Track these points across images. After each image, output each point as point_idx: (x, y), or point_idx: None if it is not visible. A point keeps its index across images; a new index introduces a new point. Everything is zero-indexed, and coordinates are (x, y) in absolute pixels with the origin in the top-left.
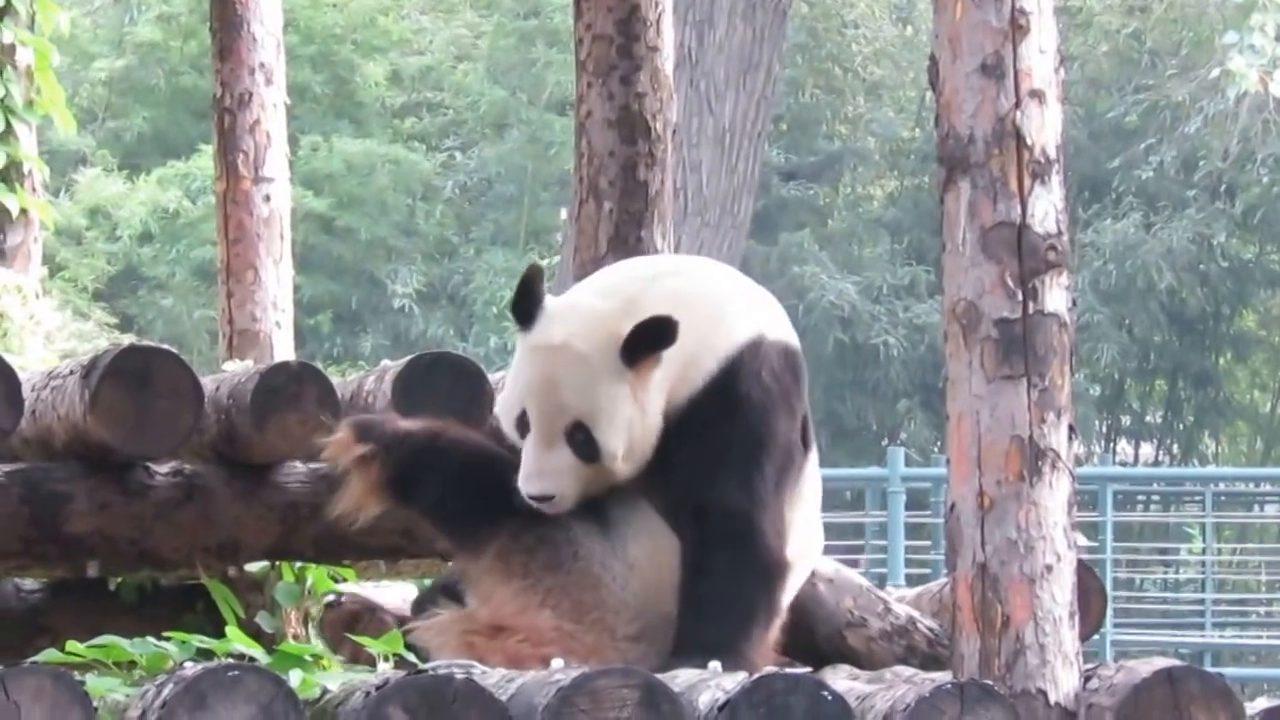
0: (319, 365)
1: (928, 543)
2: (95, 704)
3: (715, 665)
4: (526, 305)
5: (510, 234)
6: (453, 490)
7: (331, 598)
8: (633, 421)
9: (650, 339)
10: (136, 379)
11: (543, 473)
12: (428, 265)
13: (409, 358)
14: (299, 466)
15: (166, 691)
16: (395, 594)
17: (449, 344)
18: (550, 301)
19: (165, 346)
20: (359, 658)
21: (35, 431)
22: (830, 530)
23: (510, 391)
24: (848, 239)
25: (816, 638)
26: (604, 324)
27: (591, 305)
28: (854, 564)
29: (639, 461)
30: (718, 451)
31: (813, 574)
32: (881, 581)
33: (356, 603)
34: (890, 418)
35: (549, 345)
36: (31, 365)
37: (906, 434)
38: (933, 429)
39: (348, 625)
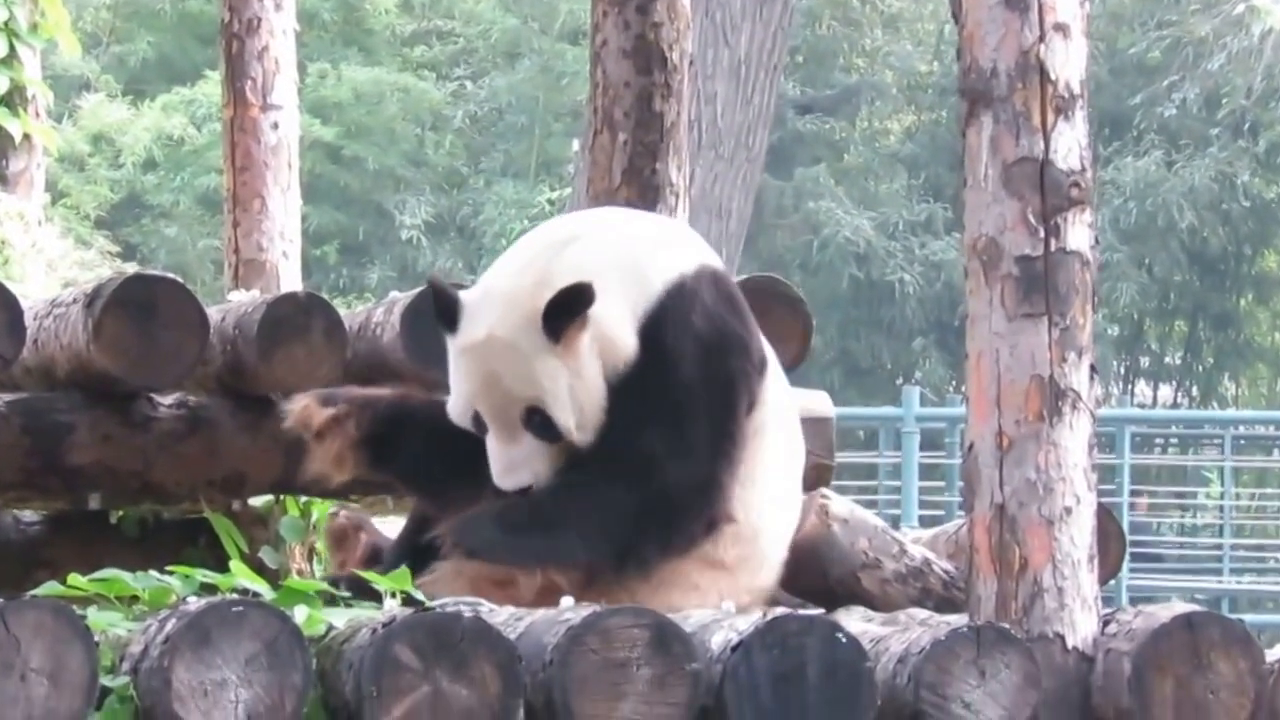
0: (325, 296)
1: (942, 484)
2: (97, 638)
3: (567, 600)
4: (443, 310)
5: (521, 165)
6: (429, 451)
7: (331, 510)
8: (575, 390)
9: (566, 309)
10: (141, 308)
11: (514, 466)
12: (436, 196)
13: (419, 289)
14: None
15: (169, 627)
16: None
17: (457, 277)
18: (465, 296)
19: (170, 275)
20: (346, 566)
21: (37, 361)
22: (843, 471)
23: (456, 396)
24: (864, 174)
25: (830, 579)
26: (520, 305)
27: (505, 289)
28: (867, 505)
29: (593, 426)
30: (648, 406)
31: (827, 514)
32: (895, 523)
33: (348, 519)
34: (905, 356)
35: (475, 343)
36: (33, 293)
37: (921, 373)
38: (948, 368)
39: (338, 538)
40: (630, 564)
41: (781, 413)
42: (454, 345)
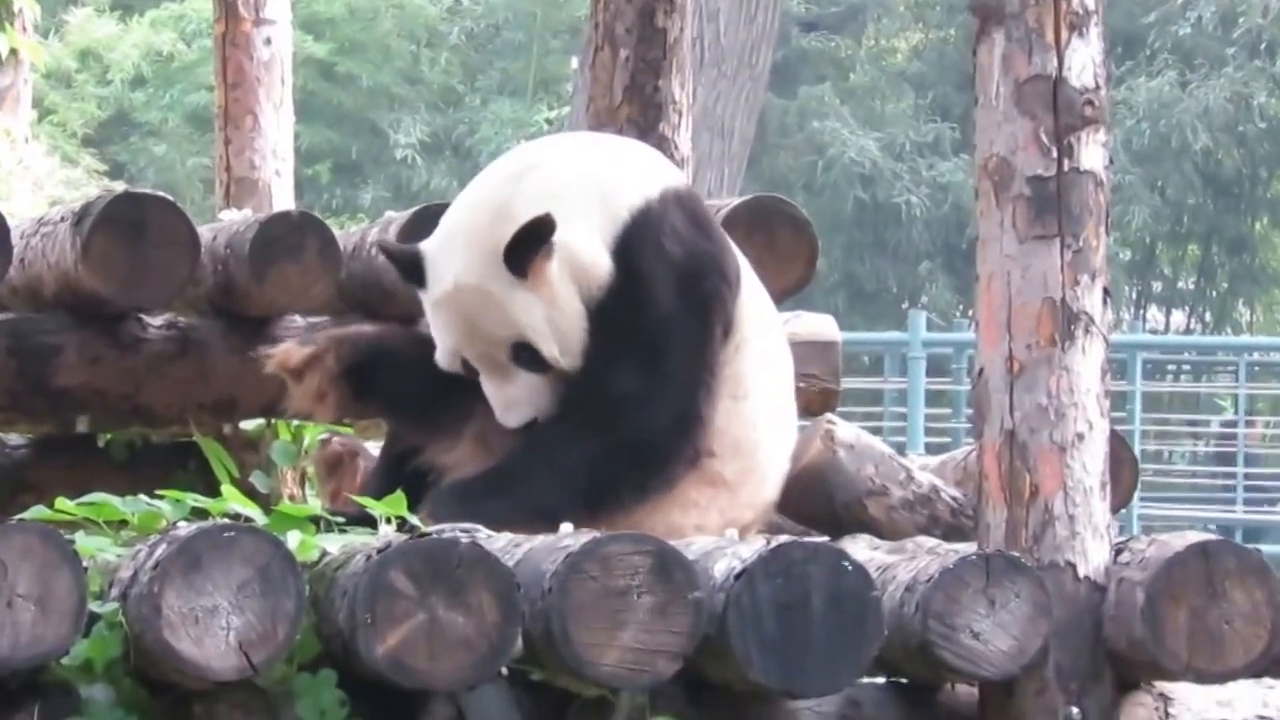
0: (318, 215)
1: (948, 410)
2: (85, 564)
3: (566, 527)
4: (406, 268)
5: (518, 83)
6: (411, 381)
7: (323, 436)
8: (552, 320)
9: (528, 243)
10: (130, 227)
11: (514, 403)
12: (431, 115)
13: (414, 209)
14: (298, 320)
15: (159, 552)
16: None
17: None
18: (426, 246)
19: (160, 194)
20: (337, 499)
21: (24, 281)
22: (848, 397)
23: (441, 346)
24: (870, 93)
25: (835, 506)
26: (481, 245)
27: (463, 231)
28: (873, 432)
29: (579, 351)
30: (624, 337)
31: (832, 439)
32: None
33: (342, 445)
34: (911, 280)
35: (445, 294)
36: (20, 212)
37: (928, 297)
38: (955, 292)
39: (331, 467)
40: (605, 510)
41: (763, 325)
42: (426, 299)
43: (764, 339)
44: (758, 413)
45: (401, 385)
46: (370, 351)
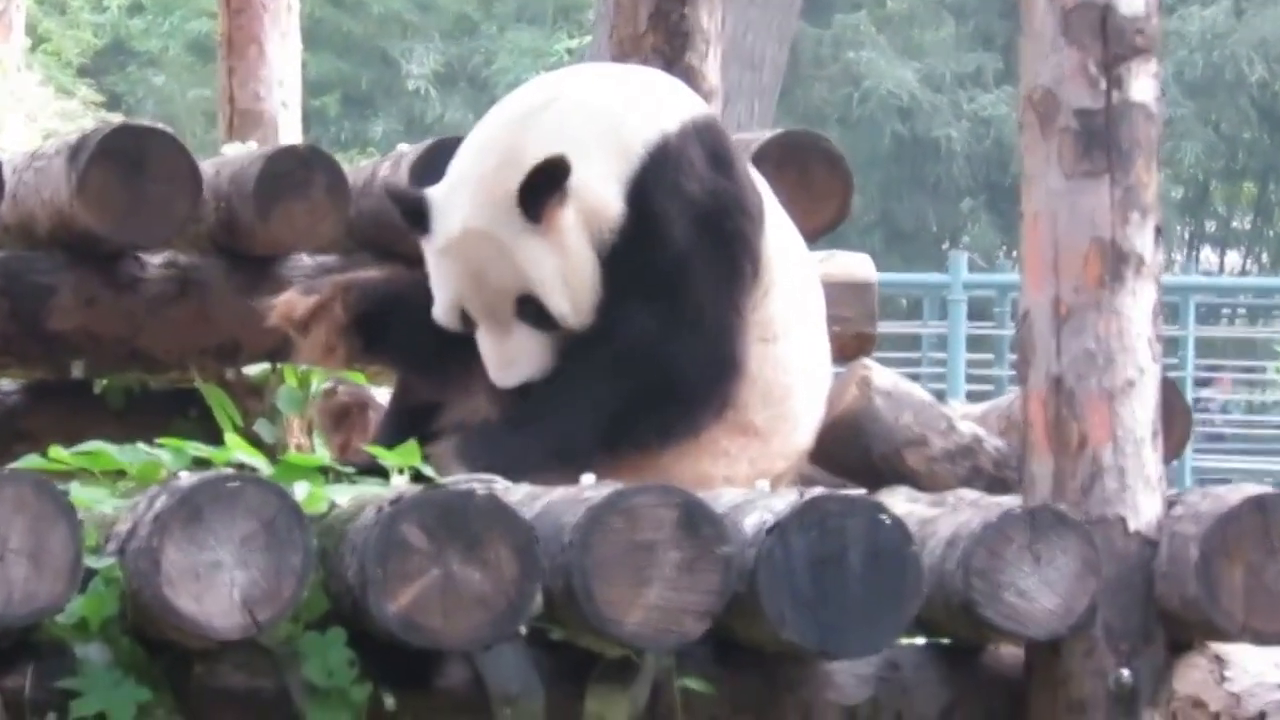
0: (326, 150)
1: (990, 356)
2: (80, 516)
3: (588, 478)
4: (411, 213)
5: (537, 10)
6: (424, 332)
7: (328, 385)
8: (563, 271)
9: (542, 186)
10: (128, 161)
11: (512, 361)
12: (446, 44)
13: (428, 142)
14: (305, 260)
15: (159, 504)
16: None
17: (468, 130)
18: (433, 192)
19: (160, 126)
20: (346, 451)
21: (16, 217)
22: (885, 341)
23: (441, 298)
24: (908, 21)
25: (872, 456)
26: (491, 190)
27: (473, 175)
28: (911, 379)
29: (589, 307)
30: (641, 280)
31: (869, 386)
32: (941, 397)
33: (350, 395)
34: (952, 219)
35: (451, 240)
36: (12, 145)
37: (969, 237)
38: (998, 231)
39: (337, 419)
40: (627, 455)
41: (794, 266)
42: (430, 247)
43: (794, 280)
44: (789, 357)
45: (414, 336)
46: (380, 299)
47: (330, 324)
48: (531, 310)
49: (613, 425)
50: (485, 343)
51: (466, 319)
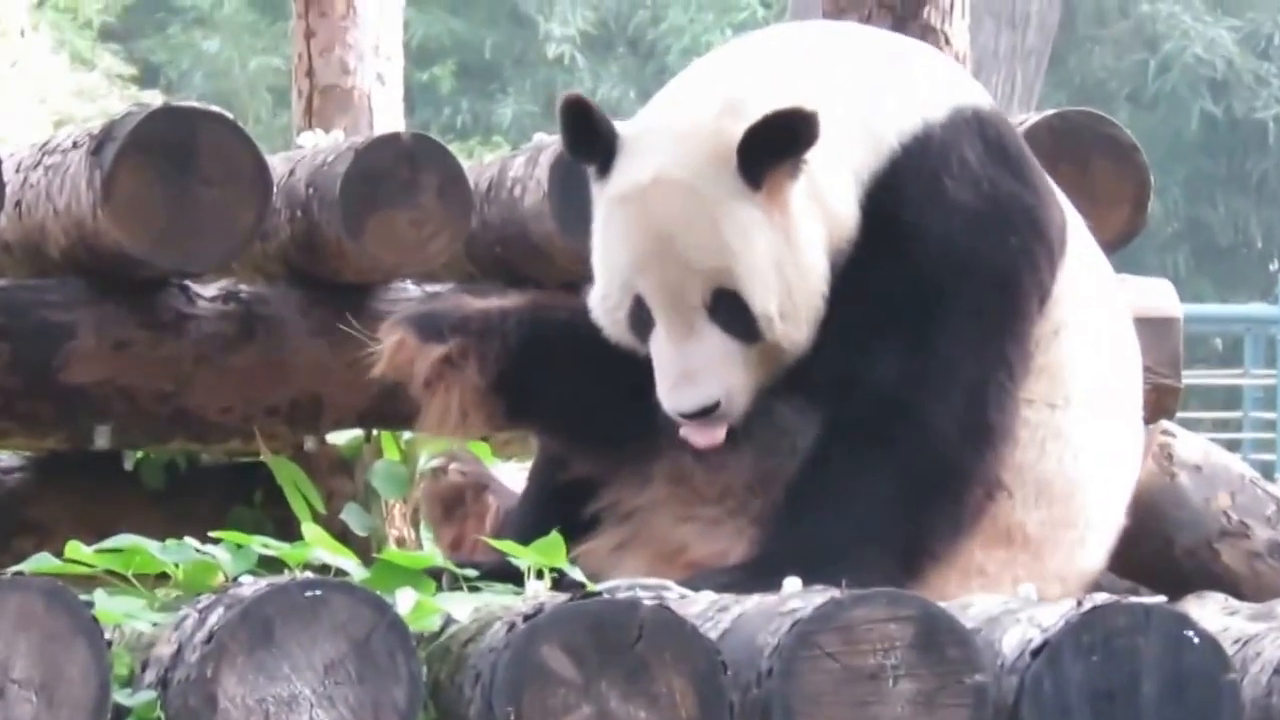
0: (438, 139)
1: None
2: (108, 635)
3: (793, 582)
4: (587, 141)
5: None
6: (585, 389)
7: (438, 460)
8: (781, 262)
9: (775, 145)
10: (171, 157)
11: (693, 374)
12: None
13: None
14: (411, 289)
15: (213, 619)
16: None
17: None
18: (622, 129)
19: (213, 109)
20: (461, 546)
21: (21, 232)
22: (1194, 396)
23: (605, 278)
24: None
25: (1175, 551)
26: (702, 136)
27: (679, 119)
28: (1229, 447)
29: (808, 321)
30: (881, 313)
31: (1170, 458)
32: (1268, 472)
33: (465, 474)
34: None
35: (637, 188)
36: (15, 134)
37: None
38: None
39: (449, 505)
40: (918, 562)
41: (1098, 304)
42: (605, 193)
43: (1096, 320)
44: (1081, 431)
45: (574, 393)
46: (526, 348)
47: (463, 388)
48: (728, 306)
49: (886, 522)
50: (660, 346)
51: (638, 314)
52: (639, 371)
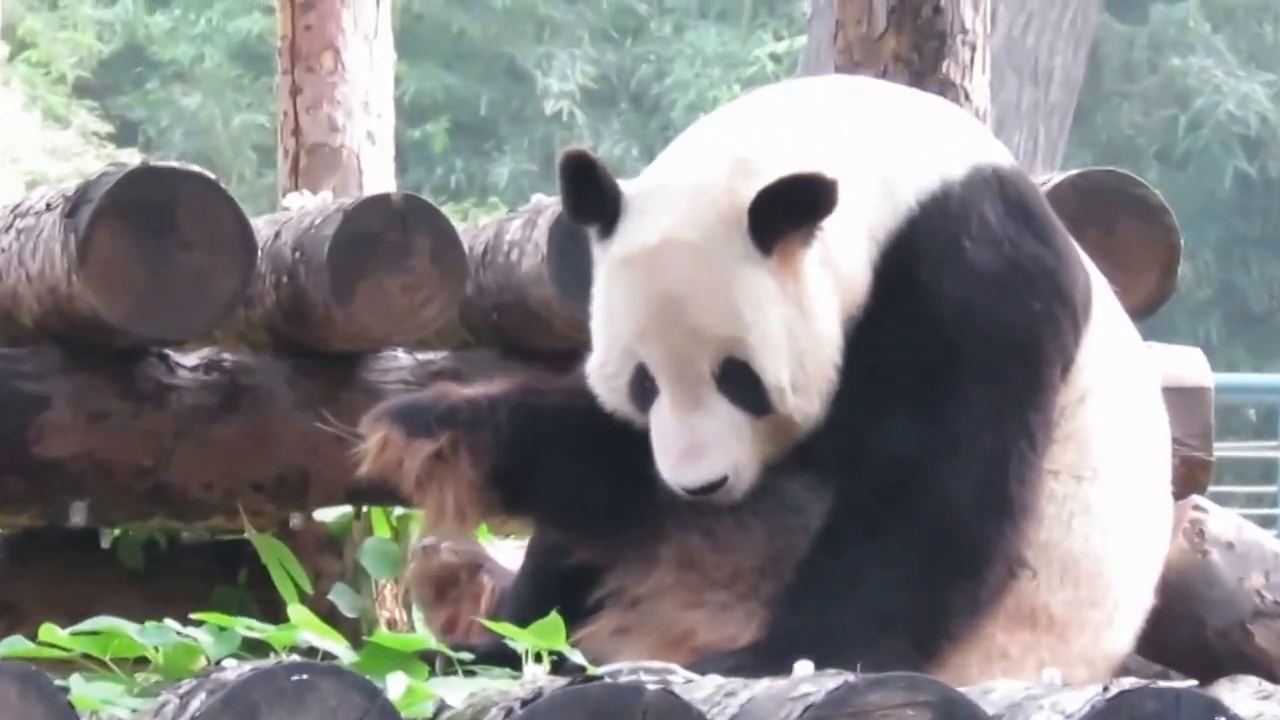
0: (431, 200)
1: None
2: None
3: (805, 665)
4: (589, 198)
5: (727, 1)
6: (586, 478)
7: (430, 539)
8: (794, 331)
9: (793, 205)
10: (150, 219)
11: (699, 448)
12: (600, 48)
13: None
14: (401, 357)
15: (195, 705)
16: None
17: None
18: (626, 187)
19: (195, 169)
20: (455, 628)
21: None
22: (1226, 469)
23: (606, 345)
24: (1256, 14)
25: (1206, 633)
26: (713, 198)
27: (687, 179)
28: (1263, 523)
29: (819, 394)
30: (894, 375)
31: (1202, 535)
32: None
33: (458, 554)
34: None
35: (645, 249)
36: None
37: None
38: None
39: (442, 586)
40: (936, 644)
41: (1124, 372)
42: (608, 255)
43: (1124, 391)
44: (1111, 506)
45: (571, 484)
46: (522, 438)
47: (457, 484)
48: (738, 377)
49: (902, 602)
50: (663, 418)
51: (640, 383)
52: (639, 452)
